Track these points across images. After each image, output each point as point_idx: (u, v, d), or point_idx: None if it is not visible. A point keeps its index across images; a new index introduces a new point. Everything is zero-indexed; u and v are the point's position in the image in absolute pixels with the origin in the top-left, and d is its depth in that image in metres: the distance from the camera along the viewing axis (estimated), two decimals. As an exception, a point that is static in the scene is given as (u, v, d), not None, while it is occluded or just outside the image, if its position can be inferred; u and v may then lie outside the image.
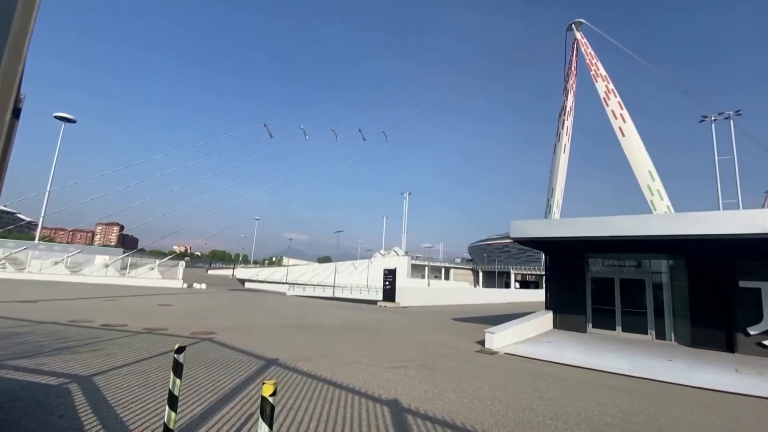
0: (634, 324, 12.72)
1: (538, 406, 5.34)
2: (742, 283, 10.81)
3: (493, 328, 10.47)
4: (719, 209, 26.50)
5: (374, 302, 26.12)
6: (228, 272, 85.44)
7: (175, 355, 3.39)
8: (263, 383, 2.34)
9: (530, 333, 12.11)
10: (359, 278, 69.00)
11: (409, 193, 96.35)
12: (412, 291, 29.24)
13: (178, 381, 3.35)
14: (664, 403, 5.91)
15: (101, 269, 29.15)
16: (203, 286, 32.72)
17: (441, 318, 18.11)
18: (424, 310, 22.29)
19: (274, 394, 2.34)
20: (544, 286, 15.90)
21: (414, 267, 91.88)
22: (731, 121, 31.18)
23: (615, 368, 8.14)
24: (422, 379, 6.47)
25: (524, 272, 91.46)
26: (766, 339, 10.25)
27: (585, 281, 13.94)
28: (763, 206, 54.79)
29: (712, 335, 11.09)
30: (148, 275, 30.56)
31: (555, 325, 13.97)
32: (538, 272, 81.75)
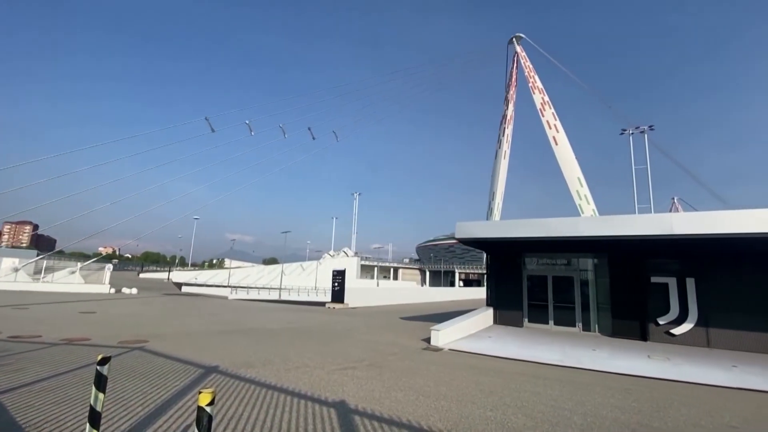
0: (564, 318, 13.84)
1: (480, 399, 5.60)
2: (654, 279, 12.21)
3: (438, 326, 10.80)
4: (635, 213, 29.76)
5: (323, 304, 25.75)
6: (163, 276, 79.29)
7: (98, 367, 3.07)
8: (200, 392, 2.20)
9: (473, 329, 12.67)
10: (307, 280, 67.64)
11: (360, 194, 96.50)
12: (362, 292, 29.27)
13: (101, 395, 3.03)
14: (590, 389, 6.48)
15: (10, 274, 25.62)
16: (134, 290, 30.09)
17: (389, 317, 18.33)
18: (373, 311, 22.41)
19: (212, 403, 2.21)
20: (485, 284, 16.75)
21: (363, 267, 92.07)
22: (645, 135, 35.16)
23: (548, 359, 8.79)
24: (370, 378, 6.49)
25: (468, 271, 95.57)
26: (672, 328, 11.67)
27: (522, 279, 14.89)
28: (670, 210, 62.37)
29: (629, 326, 12.40)
30: (68, 280, 27.45)
31: (495, 321, 14.76)
32: (480, 271, 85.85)
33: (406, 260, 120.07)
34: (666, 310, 11.83)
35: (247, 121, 27.97)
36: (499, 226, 13.88)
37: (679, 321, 11.59)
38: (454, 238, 13.98)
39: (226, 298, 33.54)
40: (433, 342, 10.33)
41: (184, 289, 45.64)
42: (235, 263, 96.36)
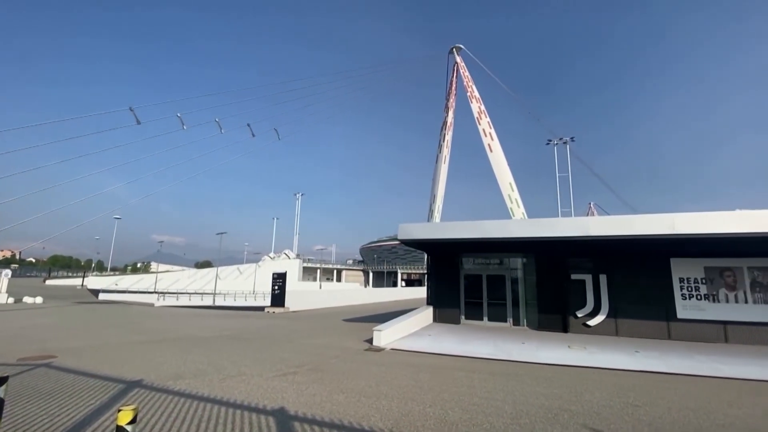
0: (497, 314, 14.76)
1: (419, 396, 5.77)
2: (573, 276, 13.50)
3: (380, 326, 10.92)
4: (558, 216, 32.68)
5: (262, 309, 24.72)
6: (76, 282, 70.72)
7: (-9, 391, 2.66)
8: (119, 410, 2.01)
9: (414, 328, 13.01)
10: (245, 284, 64.53)
11: (302, 194, 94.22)
12: (303, 294, 28.60)
13: (-7, 423, 2.63)
14: (519, 380, 6.99)
15: None
16: (38, 299, 26.47)
17: (332, 320, 18.14)
18: (315, 314, 22.01)
19: (133, 421, 2.03)
20: (426, 283, 17.32)
21: (306, 270, 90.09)
22: (567, 146, 38.77)
23: (482, 353, 9.31)
24: (311, 383, 6.38)
25: (410, 271, 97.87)
26: (588, 320, 12.99)
27: (459, 278, 15.62)
28: (587, 214, 69.37)
29: (553, 319, 13.57)
30: (-51, 290, 23.29)
31: (435, 319, 15.29)
32: (421, 271, 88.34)
33: (350, 261, 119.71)
34: (583, 304, 13.15)
35: (178, 114, 25.96)
36: (439, 228, 14.43)
37: (594, 313, 12.95)
38: (396, 239, 14.25)
39: (152, 305, 30.75)
40: (375, 342, 10.43)
41: (102, 296, 41.05)
42: (163, 267, 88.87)
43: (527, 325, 14.20)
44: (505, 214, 37.09)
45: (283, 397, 5.56)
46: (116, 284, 58.60)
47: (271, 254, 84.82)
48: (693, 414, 5.21)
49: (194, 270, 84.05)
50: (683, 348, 10.38)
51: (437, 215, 39.46)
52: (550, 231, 11.55)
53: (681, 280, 12.26)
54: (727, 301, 11.75)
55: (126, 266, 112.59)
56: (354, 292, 44.08)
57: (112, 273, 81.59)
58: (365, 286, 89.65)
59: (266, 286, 38.03)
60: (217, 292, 42.86)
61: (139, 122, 24.29)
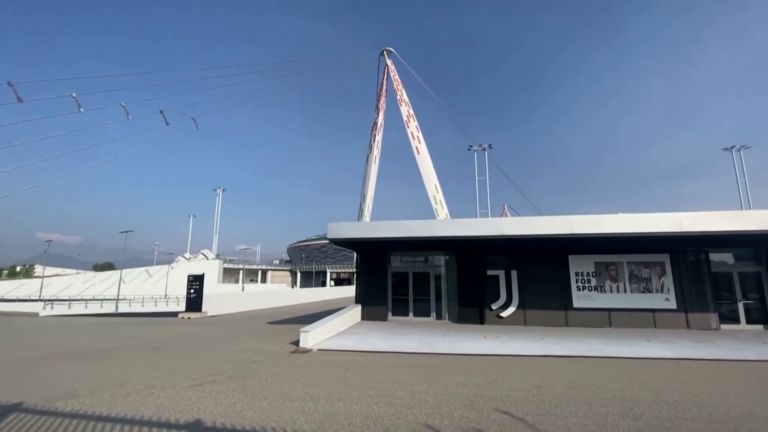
0: (422, 309, 15.42)
1: (346, 395, 5.78)
2: (489, 272, 14.65)
3: (307, 327, 10.71)
4: (477, 217, 35.16)
5: (176, 314, 22.60)
6: (-75, 292, 57.83)
7: None
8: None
9: (342, 327, 12.99)
10: (156, 288, 58.54)
11: (223, 190, 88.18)
12: (224, 297, 26.81)
13: None
14: (441, 371, 7.39)
15: None
16: None
17: (255, 323, 17.30)
18: (237, 317, 20.77)
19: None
20: (355, 282, 17.42)
21: (227, 271, 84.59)
22: (486, 152, 41.90)
23: (407, 348, 9.65)
24: (231, 391, 6.01)
25: (339, 270, 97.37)
26: (501, 312, 14.20)
27: (387, 276, 15.99)
28: (501, 215, 75.65)
29: (471, 313, 14.58)
30: None
31: (363, 317, 15.45)
32: (351, 270, 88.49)
33: (276, 262, 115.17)
34: (497, 297, 14.35)
35: (73, 95, 22.49)
36: (368, 227, 14.61)
37: (506, 306, 14.20)
38: (326, 238, 14.11)
39: (36, 314, 26.27)
40: (302, 344, 10.19)
41: (-35, 308, 33.95)
42: (51, 270, 76.45)
43: (449, 319, 15.05)
44: (430, 214, 38.86)
45: (199, 408, 5.17)
46: (-15, 292, 49.02)
47: (187, 255, 78.08)
48: (584, 390, 6.00)
49: (92, 273, 73.89)
50: (578, 333, 11.88)
51: (367, 214, 39.85)
52: (469, 231, 12.38)
53: (576, 274, 14.02)
54: (611, 291, 13.74)
55: (0, 270, 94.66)
56: (280, 293, 42.54)
57: (-21, 279, 67.92)
58: (292, 287, 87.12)
59: (181, 290, 34.93)
60: (121, 297, 38.16)
61: (20, 100, 20.57)
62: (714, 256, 13.62)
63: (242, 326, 16.23)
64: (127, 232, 41.42)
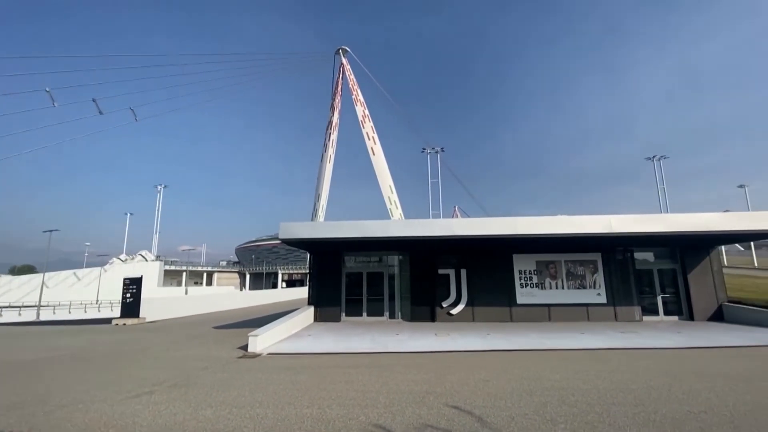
0: (376, 309, 15.52)
1: (297, 398, 5.66)
2: (441, 271, 15.09)
3: (256, 331, 10.34)
4: (429, 218, 36.07)
5: (109, 321, 20.75)
6: None
7: None
8: None
9: (294, 329, 12.70)
10: (86, 292, 53.38)
11: (165, 186, 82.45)
12: (165, 302, 25.07)
13: None
14: (394, 369, 7.47)
15: None
16: None
17: (200, 328, 16.37)
18: (179, 323, 19.52)
19: None
20: (308, 283, 17.12)
21: (169, 273, 79.23)
22: (438, 155, 43.11)
23: (360, 348, 9.65)
24: (172, 401, 5.64)
25: (291, 272, 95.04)
26: (451, 309, 14.67)
27: (341, 276, 15.89)
28: (452, 216, 78.22)
29: (423, 311, 14.92)
30: None
31: (316, 319, 15.21)
32: (303, 271, 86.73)
33: (224, 263, 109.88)
34: (448, 295, 14.82)
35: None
36: (322, 227, 14.42)
37: (456, 303, 14.71)
38: (277, 238, 13.70)
39: (-68, 327, 22.78)
40: (251, 349, 9.80)
41: None
42: (-47, 276, 66.72)
43: (402, 318, 15.28)
44: (385, 214, 39.24)
45: (135, 422, 4.79)
46: None
47: (123, 256, 71.98)
48: (527, 381, 6.38)
49: (8, 277, 65.64)
50: (521, 328, 12.61)
51: (321, 214, 39.34)
52: (423, 231, 12.66)
53: (520, 272, 14.87)
54: (551, 288, 14.74)
55: None
56: (228, 296, 40.64)
57: None
58: (241, 290, 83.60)
59: (115, 295, 32.17)
60: (44, 303, 34.31)
61: None
62: (638, 255, 15.11)
63: (185, 332, 15.29)
64: (51, 231, 37.35)
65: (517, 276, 14.85)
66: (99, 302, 42.72)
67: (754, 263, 26.04)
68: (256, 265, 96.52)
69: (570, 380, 6.42)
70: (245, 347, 10.00)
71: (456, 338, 10.88)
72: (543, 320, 14.26)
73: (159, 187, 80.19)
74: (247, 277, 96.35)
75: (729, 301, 14.24)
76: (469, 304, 14.71)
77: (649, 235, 12.29)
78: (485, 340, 10.56)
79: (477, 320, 14.42)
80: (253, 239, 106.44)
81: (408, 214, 44.37)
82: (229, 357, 9.28)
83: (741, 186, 53.94)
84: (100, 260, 73.07)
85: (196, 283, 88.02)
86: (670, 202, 48.06)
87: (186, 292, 55.74)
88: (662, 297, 14.75)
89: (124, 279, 20.76)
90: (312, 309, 15.28)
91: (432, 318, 14.71)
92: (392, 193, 39.71)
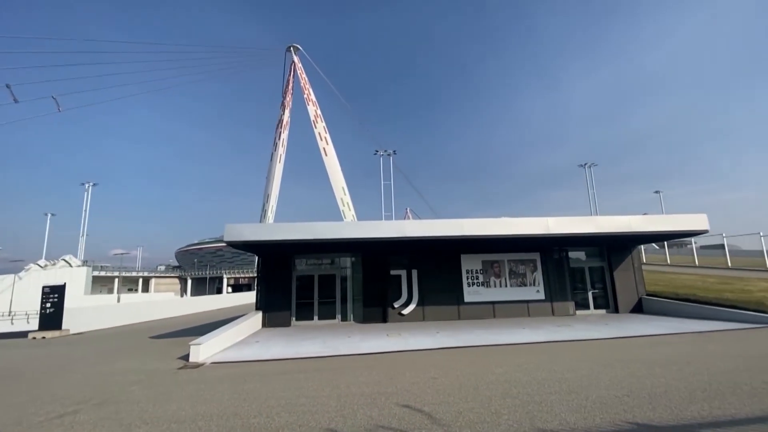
0: (327, 312, 15.33)
1: (243, 409, 5.42)
2: (392, 272, 15.28)
3: (199, 339, 9.76)
4: (382, 219, 36.41)
5: (25, 334, 18.43)
6: None
7: None
8: None
9: (240, 336, 12.16)
10: (-6, 303, 46.92)
11: (94, 184, 74.92)
12: (93, 311, 22.78)
13: None
14: (345, 372, 7.42)
15: None
16: None
17: (135, 339, 15.10)
18: (111, 333, 17.86)
19: None
20: (256, 287, 16.47)
21: (98, 280, 72.17)
22: (391, 158, 43.63)
23: (311, 353, 9.47)
24: (100, 421, 5.14)
25: (238, 276, 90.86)
26: (403, 309, 14.90)
27: (291, 280, 15.50)
28: (404, 218, 79.50)
29: (375, 312, 15.00)
30: None
31: (264, 324, 14.69)
32: (251, 275, 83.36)
33: (162, 268, 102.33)
34: (399, 296, 15.05)
35: None
36: (272, 229, 13.95)
37: (407, 303, 14.98)
38: (222, 241, 13.04)
39: None
40: (192, 358, 9.22)
41: None
42: None
43: (354, 320, 15.23)
44: (337, 216, 38.90)
45: (55, 447, 4.30)
46: None
47: (42, 261, 64.28)
48: (473, 376, 6.65)
49: None
50: (468, 325, 13.13)
51: (271, 216, 38.07)
52: (376, 233, 12.74)
53: (467, 271, 15.49)
54: (495, 286, 15.52)
55: None
56: (167, 303, 37.86)
57: None
58: (182, 296, 78.41)
59: (33, 305, 28.72)
60: (-64, 319, 29.61)
61: None
62: (572, 254, 16.40)
63: (117, 343, 14.02)
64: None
65: (464, 275, 15.46)
66: (12, 314, 37.78)
67: (667, 260, 29.46)
68: (199, 269, 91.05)
69: (512, 373, 6.80)
70: (186, 357, 9.39)
71: (407, 338, 11.06)
72: (488, 317, 14.97)
73: (87, 185, 72.62)
74: (189, 282, 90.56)
75: (647, 295, 15.92)
76: (419, 303, 15.04)
77: (581, 236, 13.39)
78: (435, 338, 10.85)
79: (427, 319, 14.78)
80: (196, 242, 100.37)
81: (361, 215, 44.39)
82: (167, 368, 8.65)
83: (657, 192, 60.69)
84: (14, 266, 64.55)
85: (130, 290, 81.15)
86: (600, 206, 52.78)
87: (118, 300, 51.11)
88: (592, 292, 16.13)
89: (44, 287, 18.58)
90: (260, 314, 14.73)
91: (384, 319, 14.83)
92: (345, 194, 39.48)
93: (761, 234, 23.60)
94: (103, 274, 76.57)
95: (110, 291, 72.82)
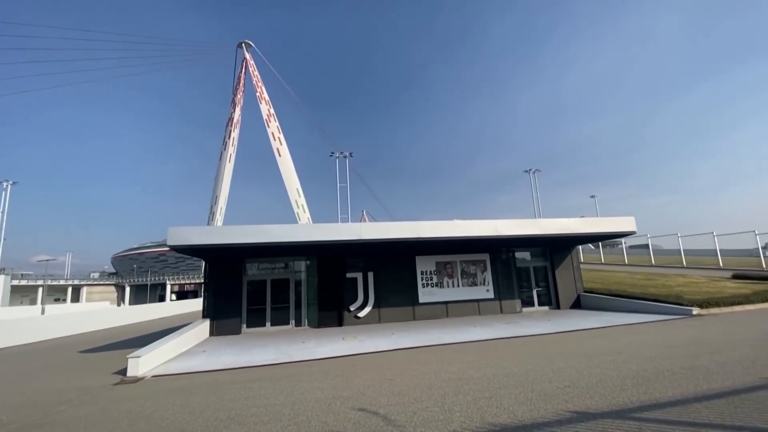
0: (281, 317, 14.90)
1: (190, 423, 5.11)
2: (348, 275, 15.20)
3: (138, 351, 9.05)
4: (338, 221, 36.10)
5: None
6: None
7: None
8: None
9: (185, 346, 11.46)
10: None
11: (13, 183, 66.78)
12: (11, 324, 20.29)
13: None
14: (299, 379, 7.25)
15: None
16: None
17: (63, 354, 13.68)
18: (34, 349, 16.03)
19: None
20: (203, 294, 15.60)
21: (18, 289, 64.65)
22: (347, 160, 43.45)
23: (263, 360, 9.15)
24: (19, 449, 4.59)
25: (182, 282, 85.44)
26: (359, 312, 14.87)
27: (242, 285, 14.88)
28: (360, 221, 79.56)
29: (331, 316, 14.82)
30: None
31: (212, 333, 13.97)
32: (197, 281, 78.81)
33: (96, 275, 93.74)
34: (355, 298, 15.00)
35: None
36: (220, 232, 13.30)
37: (363, 306, 14.97)
38: (165, 245, 12.22)
39: None
40: (130, 372, 8.53)
41: None
42: None
43: (308, 325, 14.95)
44: (292, 218, 38.00)
45: (-38, 482, 3.77)
46: None
47: (-54, 271, 56.23)
48: (427, 376, 6.79)
49: None
50: (423, 325, 13.39)
51: (219, 218, 36.34)
52: (331, 235, 12.60)
53: (422, 272, 15.82)
54: (448, 286, 15.99)
55: None
56: (101, 313, 34.70)
57: None
58: (119, 305, 72.31)
59: (-68, 321, 24.92)
60: None
61: None
62: (518, 255, 17.33)
63: (42, 359, 12.62)
64: None
65: (419, 276, 15.77)
66: None
67: (601, 259, 32.14)
68: (139, 275, 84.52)
69: (464, 371, 7.04)
70: (123, 372, 8.67)
71: (363, 340, 11.05)
72: (442, 317, 15.38)
73: (5, 184, 64.60)
74: (128, 290, 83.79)
75: (585, 292, 17.23)
76: (375, 305, 15.09)
77: (526, 237, 14.20)
78: (390, 339, 10.94)
79: (383, 321, 14.88)
80: (135, 246, 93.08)
81: (317, 218, 43.70)
82: (101, 385, 7.93)
83: (592, 196, 65.97)
84: None
85: (57, 300, 73.37)
86: (543, 209, 56.35)
87: (43, 312, 45.91)
88: (537, 290, 17.15)
89: (-53, 300, 16.25)
90: (207, 322, 13.99)
91: (339, 322, 14.70)
92: (300, 196, 38.70)
93: (678, 235, 26.59)
94: (24, 282, 68.72)
95: (33, 302, 65.40)
